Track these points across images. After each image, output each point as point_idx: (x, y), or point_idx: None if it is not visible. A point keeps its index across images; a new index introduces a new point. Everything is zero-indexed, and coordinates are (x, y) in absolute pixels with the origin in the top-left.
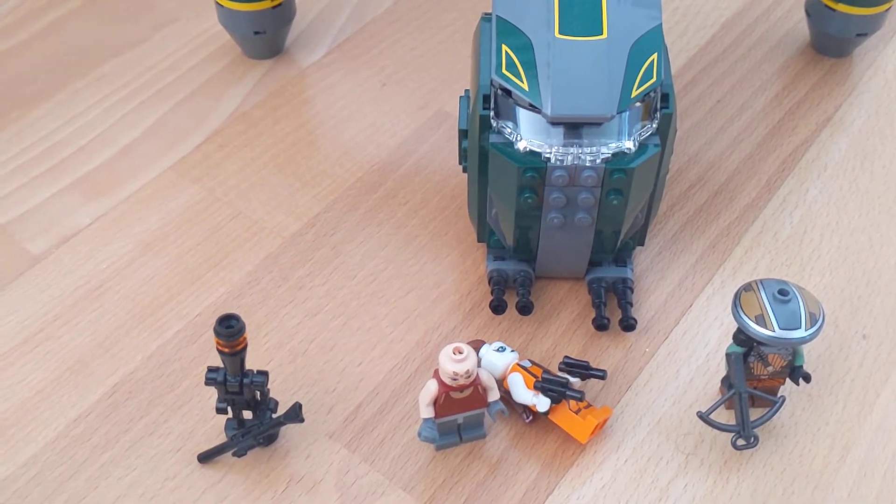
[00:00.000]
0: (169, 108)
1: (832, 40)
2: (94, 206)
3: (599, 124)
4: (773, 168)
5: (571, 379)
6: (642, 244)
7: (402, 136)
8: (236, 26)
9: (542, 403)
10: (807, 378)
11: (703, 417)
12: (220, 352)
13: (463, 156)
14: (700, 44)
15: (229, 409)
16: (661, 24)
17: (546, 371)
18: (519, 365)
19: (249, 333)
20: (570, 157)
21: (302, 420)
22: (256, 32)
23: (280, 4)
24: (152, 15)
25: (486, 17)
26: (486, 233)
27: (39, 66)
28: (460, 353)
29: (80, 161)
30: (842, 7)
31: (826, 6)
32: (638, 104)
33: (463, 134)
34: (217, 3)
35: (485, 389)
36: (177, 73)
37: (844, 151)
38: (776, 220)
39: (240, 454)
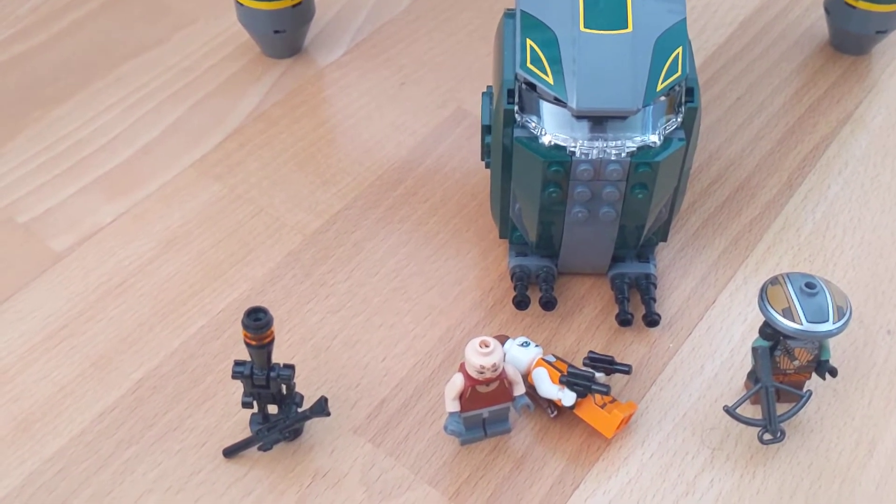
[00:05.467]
0: (189, 107)
1: (851, 38)
2: (116, 203)
3: (624, 118)
4: (794, 165)
5: (596, 374)
6: (665, 240)
7: (422, 135)
8: (256, 25)
9: (567, 397)
10: (833, 372)
11: (730, 412)
12: (248, 345)
13: (486, 151)
14: (718, 42)
15: (255, 403)
16: (685, 18)
17: (571, 366)
18: (543, 360)
19: None
20: (595, 151)
21: (328, 413)
22: (276, 31)
23: (300, 3)
24: (171, 16)
25: (509, 13)
26: (508, 229)
27: (60, 67)
28: (487, 346)
29: (101, 160)
30: (861, 4)
31: (845, 3)
32: (663, 98)
33: (486, 130)
34: (237, 2)
35: (510, 384)
36: (196, 72)
37: (865, 148)
38: (798, 217)
39: (265, 448)
